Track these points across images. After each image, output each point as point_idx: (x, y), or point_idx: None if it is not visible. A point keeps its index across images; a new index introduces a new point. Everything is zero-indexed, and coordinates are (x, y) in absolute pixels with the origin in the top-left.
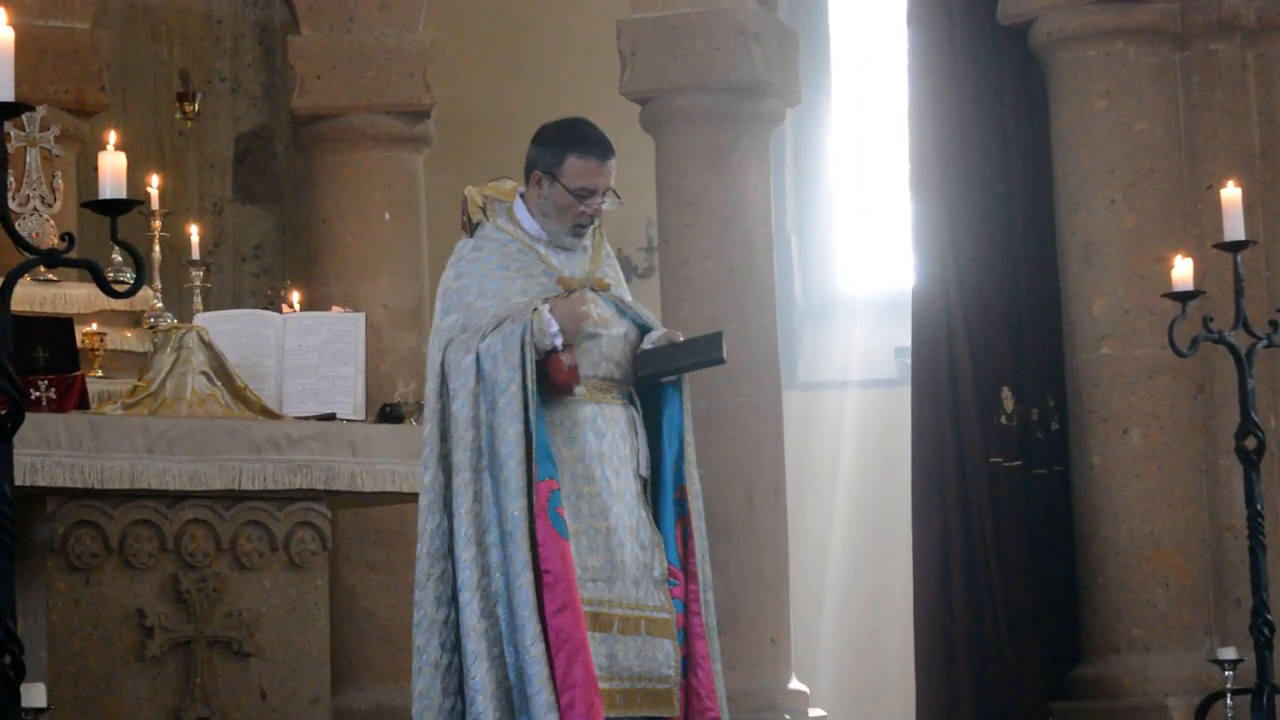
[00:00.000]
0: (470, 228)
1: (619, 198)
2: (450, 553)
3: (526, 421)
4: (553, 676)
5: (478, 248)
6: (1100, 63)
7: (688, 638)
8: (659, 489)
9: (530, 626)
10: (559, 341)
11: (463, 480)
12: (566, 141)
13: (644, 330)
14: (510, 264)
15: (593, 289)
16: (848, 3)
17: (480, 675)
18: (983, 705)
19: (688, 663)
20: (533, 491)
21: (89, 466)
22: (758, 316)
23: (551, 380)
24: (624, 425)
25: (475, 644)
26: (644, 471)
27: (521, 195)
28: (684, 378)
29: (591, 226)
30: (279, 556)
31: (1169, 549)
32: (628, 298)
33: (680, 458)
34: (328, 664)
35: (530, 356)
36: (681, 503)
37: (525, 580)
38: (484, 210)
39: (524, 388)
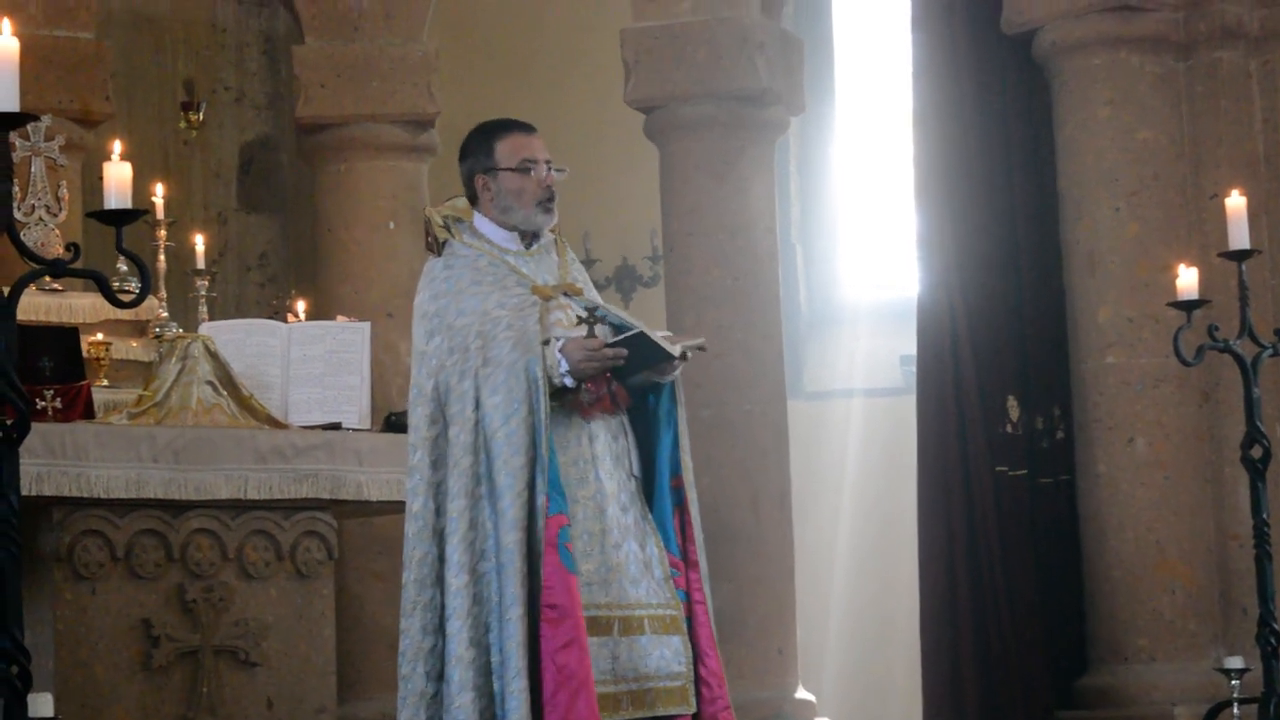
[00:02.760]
0: (438, 247)
1: (563, 170)
2: (439, 580)
3: (534, 454)
4: (532, 714)
5: (448, 265)
6: (1104, 71)
7: (692, 627)
8: (654, 480)
9: (514, 661)
10: (569, 381)
11: (458, 507)
12: (486, 134)
13: (620, 330)
14: (483, 278)
15: (566, 294)
16: (852, 11)
17: (465, 705)
18: (989, 715)
19: (695, 652)
20: (534, 525)
21: (95, 476)
22: (762, 325)
23: (585, 413)
24: (614, 427)
25: (461, 673)
26: (636, 471)
27: (478, 210)
28: (678, 379)
29: (555, 201)
30: (285, 566)
31: (1175, 558)
32: (599, 300)
33: (675, 447)
34: (334, 673)
35: (543, 390)
36: (679, 491)
37: (515, 614)
38: (447, 229)
39: (531, 421)
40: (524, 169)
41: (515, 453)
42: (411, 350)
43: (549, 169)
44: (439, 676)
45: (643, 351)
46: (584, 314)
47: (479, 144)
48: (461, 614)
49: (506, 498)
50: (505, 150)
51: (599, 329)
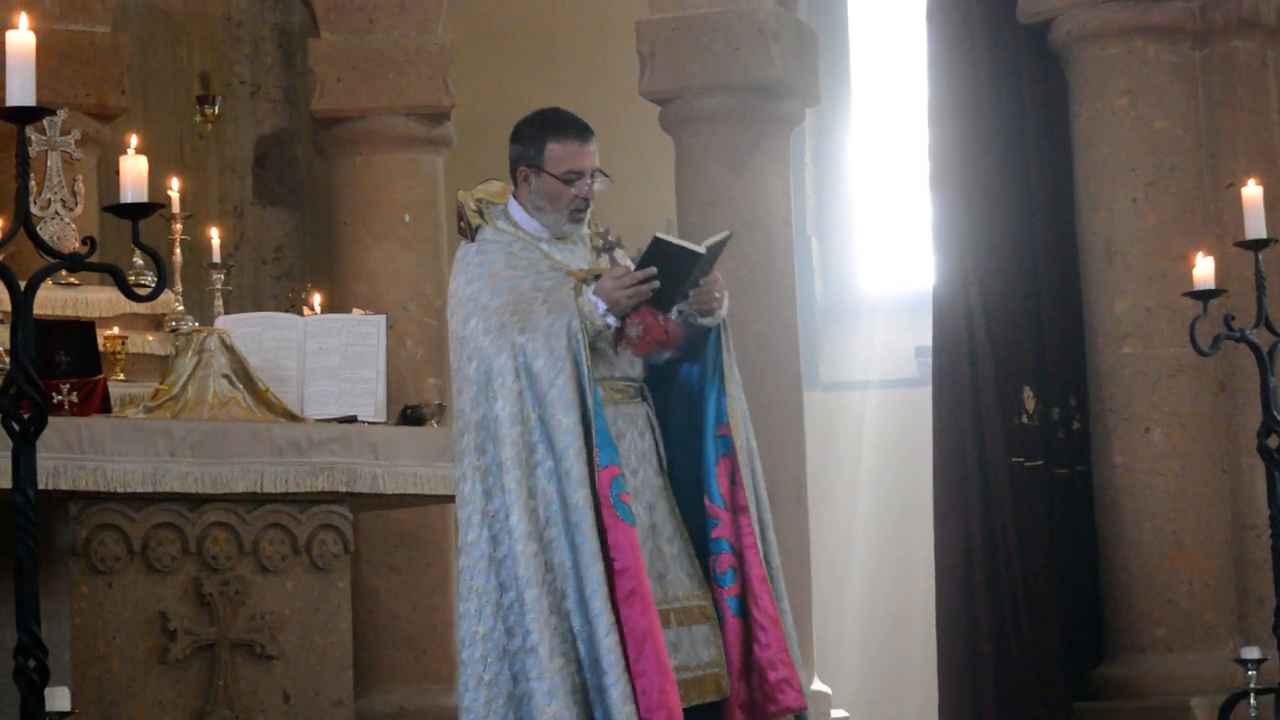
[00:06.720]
0: (471, 232)
1: (609, 177)
2: (493, 564)
3: (584, 410)
4: (628, 667)
5: (482, 251)
6: (1120, 61)
7: (743, 569)
8: (701, 427)
9: (604, 617)
10: (611, 320)
11: (513, 479)
12: (543, 130)
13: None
14: (517, 263)
15: (598, 277)
16: (867, 2)
17: (555, 673)
18: (1005, 705)
19: (745, 594)
20: (595, 479)
21: (111, 470)
22: (778, 317)
23: (640, 350)
24: (641, 423)
25: (550, 642)
26: (664, 466)
27: (513, 195)
28: (725, 325)
29: (589, 210)
30: (301, 559)
31: (1191, 548)
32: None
33: (722, 394)
34: (350, 666)
35: (583, 344)
36: (725, 439)
37: (596, 570)
38: (480, 214)
39: (577, 377)
40: (567, 180)
41: (568, 411)
42: (449, 337)
43: (593, 180)
44: (499, 659)
45: (672, 264)
46: (599, 241)
47: (533, 137)
48: (537, 583)
49: (568, 456)
50: (555, 155)
51: (619, 254)
